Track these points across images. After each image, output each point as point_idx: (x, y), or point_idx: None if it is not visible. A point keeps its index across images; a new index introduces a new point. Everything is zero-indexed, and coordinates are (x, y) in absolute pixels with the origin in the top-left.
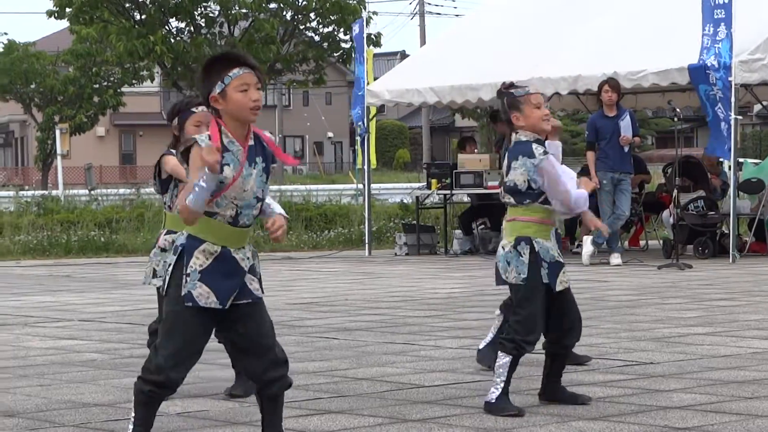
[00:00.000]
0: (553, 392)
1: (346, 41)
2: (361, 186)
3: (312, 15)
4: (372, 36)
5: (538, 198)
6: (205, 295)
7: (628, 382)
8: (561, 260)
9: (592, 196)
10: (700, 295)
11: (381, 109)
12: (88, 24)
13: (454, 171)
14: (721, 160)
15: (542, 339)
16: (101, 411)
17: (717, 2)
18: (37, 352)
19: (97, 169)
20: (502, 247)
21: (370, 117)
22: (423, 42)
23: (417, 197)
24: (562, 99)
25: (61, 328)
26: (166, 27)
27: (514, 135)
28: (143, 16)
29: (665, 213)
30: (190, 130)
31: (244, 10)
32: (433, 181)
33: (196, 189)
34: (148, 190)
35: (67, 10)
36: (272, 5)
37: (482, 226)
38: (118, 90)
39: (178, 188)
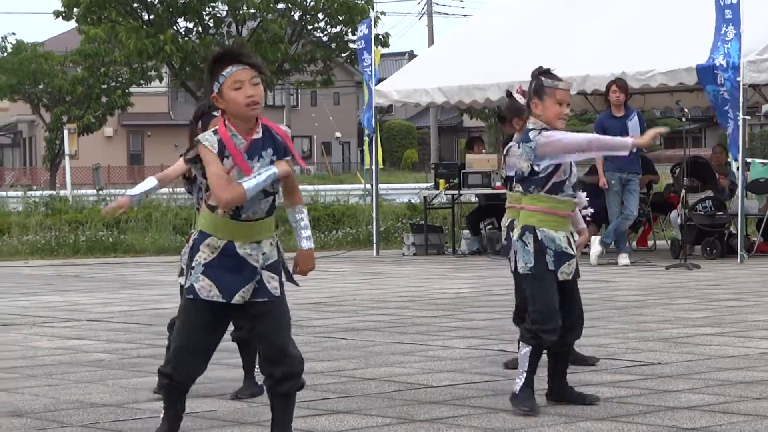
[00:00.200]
0: (560, 392)
1: (354, 41)
2: (369, 186)
3: (320, 15)
4: (380, 36)
5: (543, 186)
6: (207, 288)
7: (635, 382)
8: (570, 252)
9: (600, 196)
10: (708, 295)
11: (389, 109)
12: (96, 24)
13: (462, 171)
14: (729, 160)
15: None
16: (109, 411)
17: (726, 2)
18: (45, 352)
19: (105, 169)
20: (512, 237)
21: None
22: (431, 42)
23: (425, 197)
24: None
25: (69, 328)
26: (174, 27)
27: (528, 122)
28: (151, 17)
29: (673, 213)
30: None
31: (252, 10)
32: (441, 181)
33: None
34: None
35: (75, 10)
36: (280, 5)
37: (490, 226)
38: (126, 90)
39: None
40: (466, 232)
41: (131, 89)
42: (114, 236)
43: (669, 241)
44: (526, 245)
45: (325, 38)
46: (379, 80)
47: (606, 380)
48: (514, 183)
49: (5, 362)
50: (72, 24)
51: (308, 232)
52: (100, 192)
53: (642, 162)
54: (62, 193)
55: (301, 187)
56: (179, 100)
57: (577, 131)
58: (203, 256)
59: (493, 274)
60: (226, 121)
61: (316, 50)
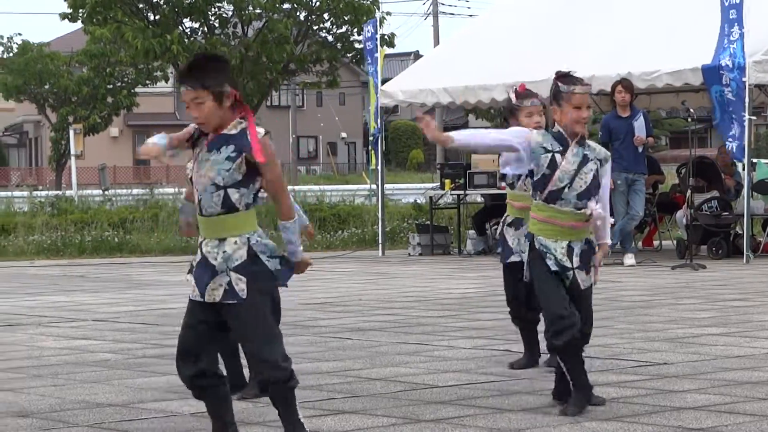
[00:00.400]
0: (566, 392)
1: (359, 41)
2: (374, 186)
3: (326, 15)
4: (385, 36)
5: (542, 193)
6: (192, 288)
7: (641, 382)
8: (566, 265)
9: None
10: (713, 295)
11: (395, 109)
12: (101, 24)
13: (468, 171)
14: (734, 160)
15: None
16: (115, 411)
17: (731, 2)
18: (51, 352)
19: (111, 169)
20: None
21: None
22: (436, 42)
23: (431, 197)
24: None
25: (74, 328)
26: (180, 27)
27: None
28: (157, 17)
29: (679, 213)
30: None
31: (258, 11)
32: (447, 181)
33: None
34: (161, 191)
35: (80, 11)
36: (286, 5)
37: (496, 226)
38: (132, 90)
39: None
40: (471, 232)
41: (137, 89)
42: (120, 236)
43: (675, 242)
44: (524, 252)
45: (330, 38)
46: (384, 80)
47: (612, 380)
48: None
49: (11, 362)
50: (78, 24)
51: (293, 247)
52: (106, 192)
53: (648, 162)
54: (68, 193)
55: (306, 187)
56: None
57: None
58: (196, 255)
59: (499, 274)
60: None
61: (322, 50)
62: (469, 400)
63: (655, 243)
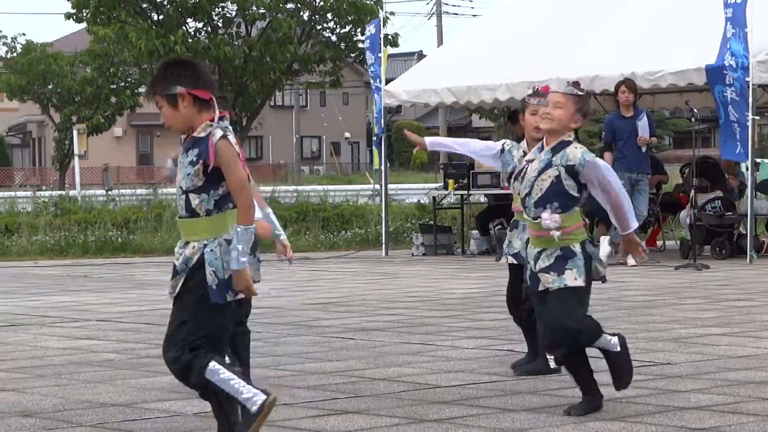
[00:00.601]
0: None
1: (363, 41)
2: (378, 186)
3: (329, 15)
4: (389, 36)
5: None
6: None
7: (645, 382)
8: (533, 269)
9: None
10: (717, 295)
11: (398, 109)
12: (105, 25)
13: (471, 171)
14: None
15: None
16: (118, 411)
17: (728, 2)
18: (55, 352)
19: (115, 169)
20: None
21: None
22: (440, 42)
23: (434, 197)
24: None
25: (78, 328)
26: (184, 27)
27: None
28: (161, 17)
29: (682, 213)
30: None
31: (261, 10)
32: (450, 181)
33: None
34: (165, 191)
35: (84, 11)
36: (289, 5)
37: (499, 226)
38: (136, 90)
39: None
40: (475, 232)
41: (140, 89)
42: (123, 236)
43: (678, 242)
44: (511, 255)
45: (334, 38)
46: (388, 80)
47: None
48: None
49: (15, 362)
50: (81, 25)
51: (234, 254)
52: (110, 192)
53: (651, 162)
54: (71, 193)
55: (310, 187)
56: None
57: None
58: None
59: (502, 274)
60: None
61: (326, 50)
62: (473, 400)
63: (659, 243)
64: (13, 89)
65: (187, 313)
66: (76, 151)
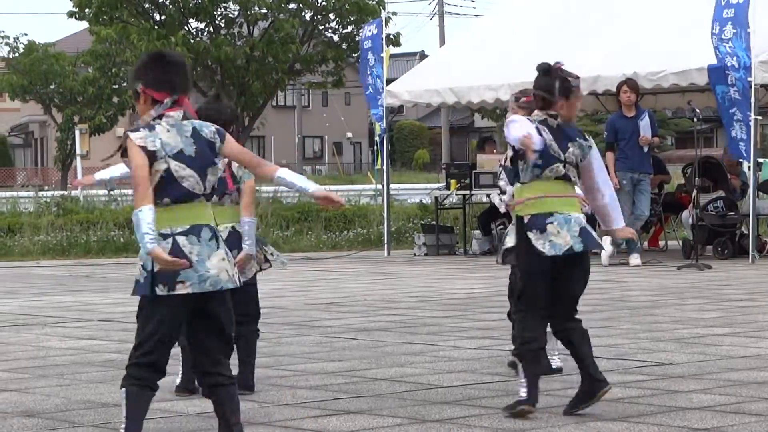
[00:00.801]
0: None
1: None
2: (380, 186)
3: (331, 15)
4: (391, 36)
5: None
6: None
7: (647, 382)
8: None
9: None
10: (719, 295)
11: (400, 109)
12: (107, 25)
13: (473, 171)
14: (740, 160)
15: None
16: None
17: (729, 2)
18: (57, 352)
19: None
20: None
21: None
22: (442, 42)
23: (436, 198)
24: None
25: (80, 328)
26: (186, 27)
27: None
28: (163, 17)
29: (685, 213)
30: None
31: (263, 10)
32: (452, 181)
33: None
34: None
35: (87, 11)
36: (291, 5)
37: (501, 226)
38: None
39: None
40: (477, 232)
41: None
42: (125, 236)
43: (680, 242)
44: None
45: (336, 38)
46: (390, 80)
47: (617, 380)
48: (572, 169)
49: (17, 362)
50: (83, 24)
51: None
52: (112, 192)
53: (653, 162)
54: (73, 193)
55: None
56: (190, 100)
57: (589, 131)
58: None
59: (504, 274)
60: None
61: (328, 50)
62: (475, 400)
63: (661, 243)
64: (16, 89)
65: (139, 313)
66: (78, 151)
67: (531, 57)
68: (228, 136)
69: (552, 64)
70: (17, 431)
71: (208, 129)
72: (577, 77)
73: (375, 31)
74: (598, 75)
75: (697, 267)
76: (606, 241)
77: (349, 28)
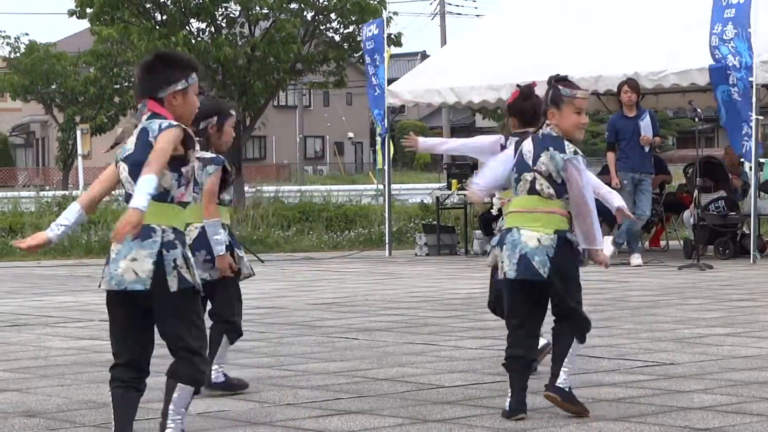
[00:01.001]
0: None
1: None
2: (381, 186)
3: (333, 15)
4: (392, 36)
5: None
6: None
7: (648, 382)
8: None
9: None
10: (720, 295)
11: (401, 109)
12: (108, 25)
13: (475, 171)
14: (741, 160)
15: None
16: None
17: (729, 2)
18: (58, 352)
19: None
20: (538, 240)
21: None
22: (443, 42)
23: (437, 197)
24: None
25: (81, 328)
26: (187, 27)
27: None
28: (164, 17)
29: (686, 213)
30: (229, 131)
31: (265, 10)
32: (454, 181)
33: None
34: None
35: (88, 10)
36: (293, 5)
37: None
38: None
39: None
40: (478, 232)
41: None
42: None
43: (681, 242)
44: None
45: (337, 38)
46: (391, 80)
47: (618, 380)
48: (542, 181)
49: (18, 362)
50: (85, 24)
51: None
52: (113, 192)
53: (655, 162)
54: (75, 193)
55: (313, 187)
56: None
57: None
58: None
59: None
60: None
61: (329, 50)
62: (476, 400)
63: (662, 243)
64: (17, 89)
65: None
66: (79, 151)
67: (532, 57)
68: (162, 133)
69: (528, 85)
70: (18, 431)
71: (152, 128)
72: (575, 87)
73: (375, 31)
74: (599, 75)
75: (699, 267)
76: (606, 241)
77: (351, 28)
